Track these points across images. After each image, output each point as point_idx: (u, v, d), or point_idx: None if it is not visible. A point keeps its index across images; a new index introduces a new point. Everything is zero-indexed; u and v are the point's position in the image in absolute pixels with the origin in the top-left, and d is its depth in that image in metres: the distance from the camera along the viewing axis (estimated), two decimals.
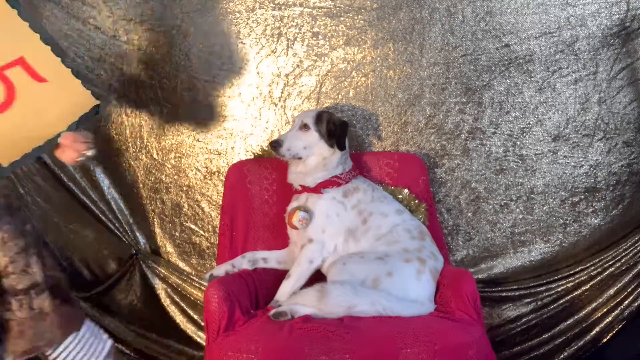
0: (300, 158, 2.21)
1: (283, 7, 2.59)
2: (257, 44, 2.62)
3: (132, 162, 2.74)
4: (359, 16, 2.59)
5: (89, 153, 1.91)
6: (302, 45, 2.62)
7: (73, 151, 1.89)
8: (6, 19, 1.82)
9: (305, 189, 2.22)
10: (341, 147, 2.23)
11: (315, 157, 2.22)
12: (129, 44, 2.62)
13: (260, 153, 2.56)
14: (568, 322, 2.65)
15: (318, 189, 2.21)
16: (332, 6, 2.59)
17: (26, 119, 1.82)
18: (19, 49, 1.82)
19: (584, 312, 2.64)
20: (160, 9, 2.60)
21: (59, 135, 1.87)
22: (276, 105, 2.67)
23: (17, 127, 1.81)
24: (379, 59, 2.62)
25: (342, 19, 2.60)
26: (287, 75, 2.65)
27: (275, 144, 2.16)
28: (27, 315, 1.91)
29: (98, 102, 1.94)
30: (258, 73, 2.65)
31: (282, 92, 2.66)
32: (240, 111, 2.68)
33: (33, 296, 1.93)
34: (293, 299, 1.98)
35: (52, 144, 1.88)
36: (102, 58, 2.61)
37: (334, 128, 2.23)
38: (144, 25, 2.61)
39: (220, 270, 2.20)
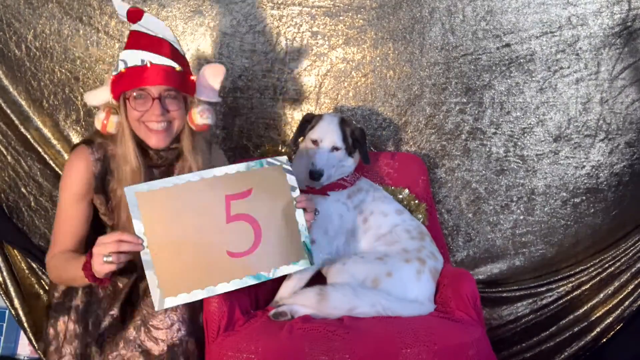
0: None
1: (282, 7, 2.58)
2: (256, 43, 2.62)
3: None
4: (359, 15, 2.59)
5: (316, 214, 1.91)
6: (301, 45, 2.62)
7: (309, 212, 1.86)
8: None
9: (310, 189, 2.21)
10: (367, 161, 2.24)
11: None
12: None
13: (260, 152, 2.55)
14: (568, 322, 2.64)
15: (324, 190, 2.19)
16: (331, 5, 2.58)
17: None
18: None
19: (584, 312, 2.64)
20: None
21: None
22: (275, 105, 2.66)
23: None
24: (378, 58, 2.62)
25: (341, 18, 2.59)
26: (286, 75, 2.63)
27: (317, 176, 2.11)
28: None
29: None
30: None
31: (281, 92, 2.65)
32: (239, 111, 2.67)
33: None
34: (293, 299, 1.97)
35: None
36: (100, 58, 2.60)
37: (357, 140, 2.23)
38: None
39: None
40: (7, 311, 2.63)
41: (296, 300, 1.95)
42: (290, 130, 2.65)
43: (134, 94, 1.82)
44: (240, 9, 2.58)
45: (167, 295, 1.65)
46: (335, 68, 2.63)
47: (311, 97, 2.66)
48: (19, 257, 2.59)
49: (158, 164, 1.98)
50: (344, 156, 2.21)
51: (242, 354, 1.71)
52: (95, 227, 2.01)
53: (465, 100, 2.64)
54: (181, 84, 1.86)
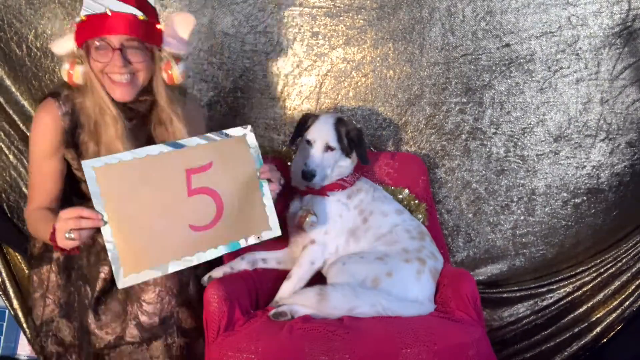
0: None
1: (283, 7, 2.58)
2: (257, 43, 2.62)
3: None
4: (359, 16, 2.59)
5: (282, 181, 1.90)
6: (302, 45, 2.62)
7: (274, 182, 1.84)
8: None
9: (309, 190, 2.21)
10: (365, 161, 2.22)
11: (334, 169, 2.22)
12: None
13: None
14: (568, 323, 2.64)
15: (324, 191, 2.19)
16: (331, 6, 2.58)
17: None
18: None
19: (584, 312, 2.63)
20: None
21: None
22: (275, 105, 2.66)
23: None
24: (378, 58, 2.62)
25: (341, 18, 2.59)
26: (286, 75, 2.64)
27: (310, 176, 2.10)
28: None
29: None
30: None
31: (281, 92, 2.66)
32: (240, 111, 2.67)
33: None
34: (293, 299, 1.97)
35: None
36: None
37: (353, 140, 2.20)
38: None
39: (219, 272, 2.16)
40: (7, 311, 2.62)
41: (296, 300, 1.95)
42: (290, 130, 2.64)
43: (96, 43, 1.73)
44: (241, 9, 2.58)
45: (129, 272, 1.60)
46: (335, 68, 2.63)
47: (311, 97, 2.65)
48: (18, 257, 2.58)
49: (130, 116, 1.90)
50: (339, 157, 2.19)
51: (242, 354, 1.72)
52: (71, 182, 1.97)
53: (465, 100, 2.63)
54: (145, 34, 1.76)
